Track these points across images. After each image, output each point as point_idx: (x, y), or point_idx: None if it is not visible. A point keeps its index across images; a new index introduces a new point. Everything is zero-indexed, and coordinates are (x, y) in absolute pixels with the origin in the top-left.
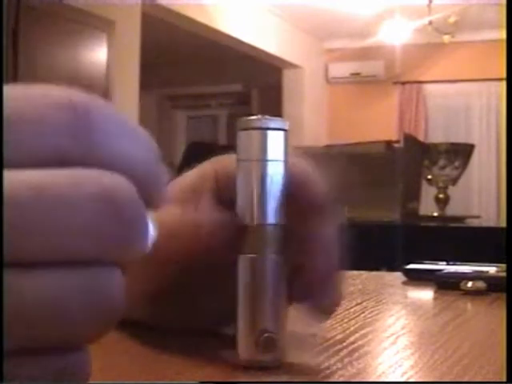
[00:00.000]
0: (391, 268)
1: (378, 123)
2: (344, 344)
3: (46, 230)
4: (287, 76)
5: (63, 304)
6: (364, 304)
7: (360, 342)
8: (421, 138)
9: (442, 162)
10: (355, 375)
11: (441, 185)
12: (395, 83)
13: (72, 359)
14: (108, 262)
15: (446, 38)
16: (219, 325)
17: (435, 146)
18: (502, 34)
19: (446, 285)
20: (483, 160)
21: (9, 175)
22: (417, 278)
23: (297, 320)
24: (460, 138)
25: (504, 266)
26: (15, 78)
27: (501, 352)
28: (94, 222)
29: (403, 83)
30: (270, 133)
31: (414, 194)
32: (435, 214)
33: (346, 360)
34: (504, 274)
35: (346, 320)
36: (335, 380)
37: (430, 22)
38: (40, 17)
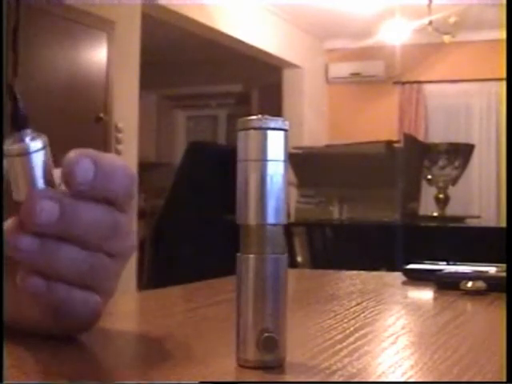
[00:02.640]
0: (391, 268)
1: (378, 123)
2: (344, 344)
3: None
4: (287, 76)
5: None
6: (364, 304)
7: (360, 342)
8: (421, 138)
9: (441, 162)
10: (355, 375)
11: (441, 185)
12: (395, 83)
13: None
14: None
15: (446, 38)
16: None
17: (435, 145)
18: (502, 34)
19: (446, 285)
20: (483, 160)
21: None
22: (417, 278)
23: (297, 320)
24: (460, 138)
25: (504, 265)
26: (15, 78)
27: (501, 352)
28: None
29: (403, 83)
30: (269, 133)
31: (413, 194)
32: (435, 214)
33: (346, 360)
34: (504, 274)
35: (345, 320)
36: (335, 380)
37: (430, 22)
38: (40, 17)
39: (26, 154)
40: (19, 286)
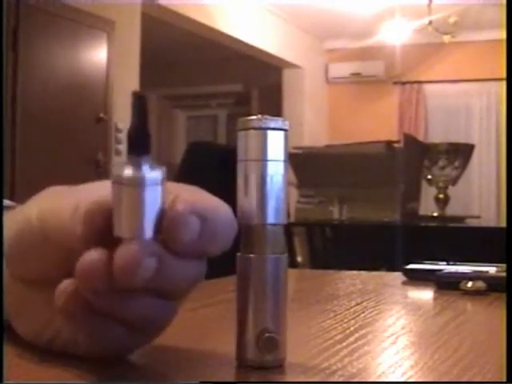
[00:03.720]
0: (391, 268)
1: (378, 123)
2: (344, 344)
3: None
4: (287, 76)
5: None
6: (364, 304)
7: (360, 342)
8: (421, 138)
9: (441, 162)
10: (355, 375)
11: (441, 185)
12: (395, 83)
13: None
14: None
15: (446, 38)
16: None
17: (435, 145)
18: (502, 34)
19: (446, 285)
20: (483, 160)
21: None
22: (417, 278)
23: (297, 320)
24: (460, 138)
25: (504, 266)
26: (15, 78)
27: (501, 352)
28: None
29: (403, 83)
30: (269, 133)
31: (414, 194)
32: (435, 214)
33: (346, 360)
34: (504, 274)
35: (345, 320)
36: (335, 380)
37: (430, 22)
38: (40, 17)
39: (140, 185)
40: (60, 312)
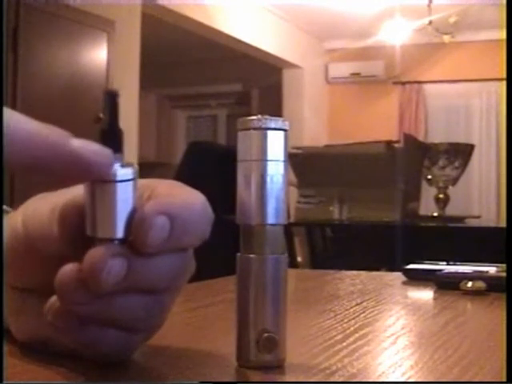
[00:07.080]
0: (391, 268)
1: (378, 123)
2: (344, 344)
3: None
4: (287, 76)
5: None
6: (364, 304)
7: (360, 342)
8: (421, 138)
9: (441, 162)
10: (355, 375)
11: (441, 185)
12: (395, 83)
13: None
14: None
15: (446, 38)
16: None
17: (435, 145)
18: (502, 34)
19: (445, 285)
20: (483, 160)
21: None
22: (417, 278)
23: (297, 320)
24: (460, 138)
25: (504, 266)
26: (15, 78)
27: (501, 352)
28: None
29: (403, 83)
30: (269, 133)
31: (414, 194)
32: (435, 214)
33: (346, 360)
34: (504, 274)
35: (346, 320)
36: (335, 380)
37: (430, 22)
38: (40, 17)
39: (112, 181)
40: (54, 324)
